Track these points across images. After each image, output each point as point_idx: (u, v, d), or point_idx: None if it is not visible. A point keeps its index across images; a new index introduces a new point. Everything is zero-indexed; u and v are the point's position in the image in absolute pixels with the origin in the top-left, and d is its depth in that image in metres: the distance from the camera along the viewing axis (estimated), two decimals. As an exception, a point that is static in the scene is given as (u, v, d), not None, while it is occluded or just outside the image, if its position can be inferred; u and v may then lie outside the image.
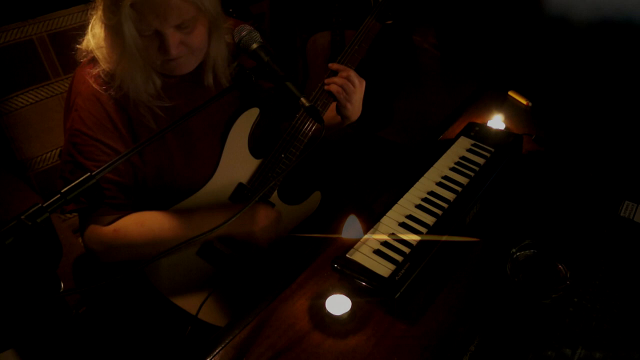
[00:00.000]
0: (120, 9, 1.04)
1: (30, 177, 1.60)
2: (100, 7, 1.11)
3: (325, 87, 1.29)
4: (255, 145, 1.35)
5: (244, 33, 1.09)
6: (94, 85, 1.16)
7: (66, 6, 1.60)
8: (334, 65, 1.31)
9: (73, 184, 0.82)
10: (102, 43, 1.15)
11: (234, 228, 1.24)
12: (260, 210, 1.26)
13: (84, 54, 1.20)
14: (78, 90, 1.19)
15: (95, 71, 1.17)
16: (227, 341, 1.03)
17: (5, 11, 1.61)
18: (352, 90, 1.28)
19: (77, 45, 1.20)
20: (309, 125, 1.33)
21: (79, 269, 1.37)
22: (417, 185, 1.28)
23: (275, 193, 1.37)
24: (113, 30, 1.09)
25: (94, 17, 1.15)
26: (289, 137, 1.33)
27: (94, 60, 1.18)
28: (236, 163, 1.32)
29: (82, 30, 1.20)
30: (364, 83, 1.31)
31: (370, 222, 1.19)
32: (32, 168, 1.60)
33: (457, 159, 1.35)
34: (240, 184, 1.33)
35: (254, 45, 1.07)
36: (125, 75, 1.14)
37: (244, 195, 1.33)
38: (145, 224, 1.21)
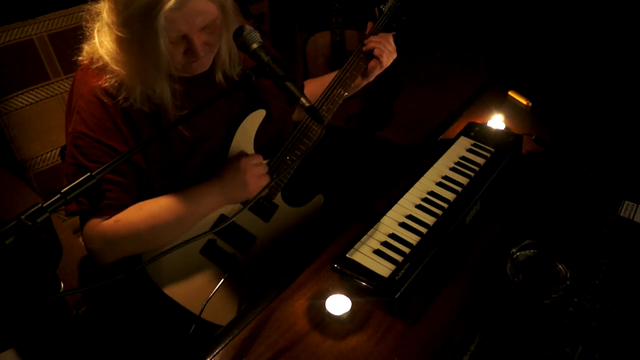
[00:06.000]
0: (153, 21, 1.03)
1: (30, 177, 1.60)
2: (115, 21, 1.09)
3: (369, 46, 1.41)
4: (261, 146, 1.35)
5: (244, 33, 1.09)
6: (97, 90, 1.16)
7: (66, 6, 1.60)
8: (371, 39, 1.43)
9: (73, 184, 0.82)
10: (114, 54, 1.14)
11: (231, 200, 1.26)
12: (247, 172, 1.24)
13: (87, 57, 1.19)
14: (80, 93, 1.19)
15: (101, 80, 1.16)
16: (227, 341, 1.03)
17: (5, 11, 1.61)
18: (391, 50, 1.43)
19: (83, 45, 1.20)
20: (314, 128, 1.33)
21: (85, 268, 1.36)
22: (417, 185, 1.28)
23: (279, 195, 1.37)
24: (135, 42, 1.09)
25: (99, 28, 1.15)
26: (295, 140, 1.33)
27: (97, 65, 1.17)
28: None
29: (81, 30, 1.20)
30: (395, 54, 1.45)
31: (370, 222, 1.19)
32: (32, 168, 1.60)
33: (457, 159, 1.35)
34: None
35: (254, 45, 1.08)
36: (143, 85, 1.15)
37: None
38: (143, 207, 1.21)
